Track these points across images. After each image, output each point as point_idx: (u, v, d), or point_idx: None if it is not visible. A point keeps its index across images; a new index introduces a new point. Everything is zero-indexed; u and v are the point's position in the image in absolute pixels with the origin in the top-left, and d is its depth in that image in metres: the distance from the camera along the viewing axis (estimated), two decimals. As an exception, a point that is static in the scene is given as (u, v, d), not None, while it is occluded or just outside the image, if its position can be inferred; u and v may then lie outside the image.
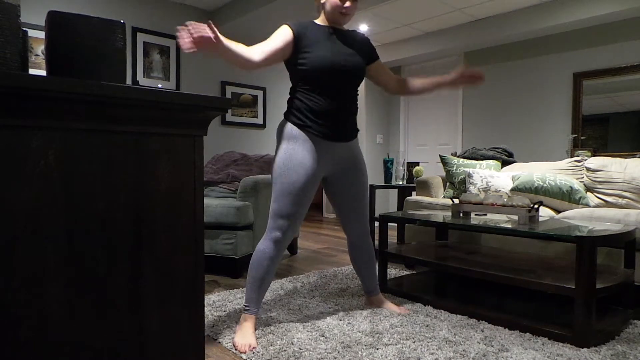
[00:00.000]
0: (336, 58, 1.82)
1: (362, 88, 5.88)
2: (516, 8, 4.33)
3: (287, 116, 1.88)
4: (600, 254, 2.33)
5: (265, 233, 1.86)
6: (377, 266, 2.17)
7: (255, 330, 1.87)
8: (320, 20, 1.93)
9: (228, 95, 4.75)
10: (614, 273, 2.01)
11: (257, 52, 1.71)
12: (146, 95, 0.91)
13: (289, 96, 1.92)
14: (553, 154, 4.46)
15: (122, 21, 1.02)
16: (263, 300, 2.31)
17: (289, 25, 1.82)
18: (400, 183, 3.94)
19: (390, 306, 2.17)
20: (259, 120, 5.02)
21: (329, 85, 1.83)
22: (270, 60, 1.75)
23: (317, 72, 1.79)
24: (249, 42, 4.91)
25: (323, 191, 1.88)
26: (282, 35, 1.79)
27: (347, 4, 1.83)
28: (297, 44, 1.81)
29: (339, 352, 1.68)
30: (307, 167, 1.81)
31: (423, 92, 2.06)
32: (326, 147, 1.87)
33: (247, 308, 1.86)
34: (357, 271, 2.18)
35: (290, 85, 1.92)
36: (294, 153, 1.81)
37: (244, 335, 1.77)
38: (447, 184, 3.59)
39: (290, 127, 1.84)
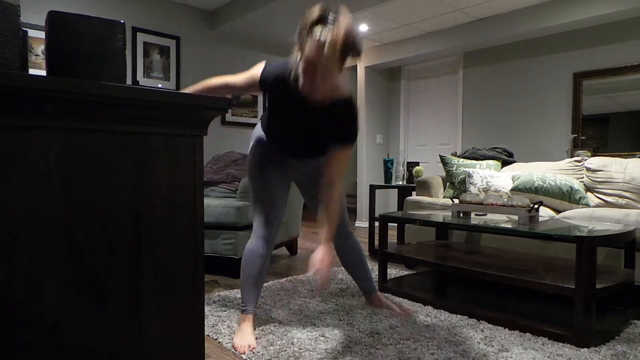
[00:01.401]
0: (286, 137, 1.79)
1: (361, 87, 5.88)
2: (516, 8, 4.33)
3: (262, 121, 1.92)
4: (600, 254, 2.33)
5: (252, 231, 1.89)
6: (369, 265, 2.14)
7: (255, 329, 1.87)
8: (300, 65, 1.61)
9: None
10: (614, 273, 2.01)
11: (220, 81, 1.82)
12: (146, 95, 0.91)
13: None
14: (553, 154, 4.46)
15: (122, 21, 1.02)
16: (262, 300, 2.31)
17: (263, 72, 1.71)
18: (400, 183, 3.94)
19: (390, 306, 2.15)
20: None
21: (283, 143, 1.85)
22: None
23: (277, 130, 1.81)
24: (249, 42, 4.92)
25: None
26: (251, 78, 1.76)
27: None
28: (261, 88, 1.75)
29: (339, 352, 1.68)
30: (271, 167, 1.86)
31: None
32: (285, 158, 1.90)
33: (244, 308, 1.87)
34: (350, 274, 2.15)
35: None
36: (260, 153, 1.87)
37: (243, 336, 1.77)
38: (447, 184, 3.59)
39: (259, 132, 1.90)
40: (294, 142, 1.81)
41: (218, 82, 1.78)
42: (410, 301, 2.33)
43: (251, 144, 1.93)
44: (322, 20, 1.48)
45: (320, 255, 1.57)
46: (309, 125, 1.72)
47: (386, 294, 2.44)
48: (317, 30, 1.47)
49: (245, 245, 1.88)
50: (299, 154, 1.87)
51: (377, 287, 2.23)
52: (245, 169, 1.91)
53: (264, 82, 1.71)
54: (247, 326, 1.82)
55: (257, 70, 1.74)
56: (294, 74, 1.62)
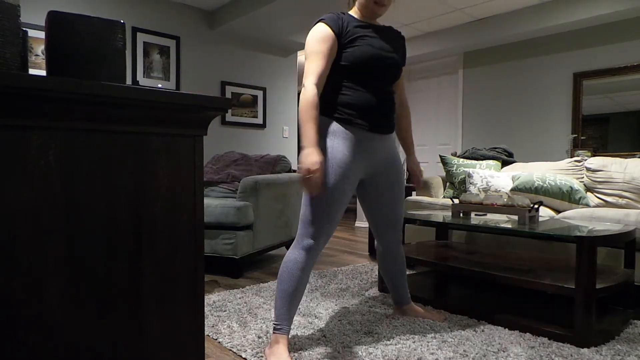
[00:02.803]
0: (378, 52, 1.70)
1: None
2: (516, 8, 4.33)
3: (327, 112, 1.70)
4: (600, 254, 2.33)
5: (295, 241, 1.68)
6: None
7: (290, 353, 1.65)
8: (353, 13, 1.79)
9: (228, 95, 4.75)
10: (614, 273, 2.01)
11: (316, 89, 1.61)
12: (146, 95, 0.91)
13: (326, 93, 1.73)
14: (553, 154, 4.46)
15: (122, 21, 1.02)
16: (262, 300, 2.31)
17: (328, 25, 1.66)
18: (400, 183, 3.93)
19: (426, 315, 2.05)
20: (259, 120, 5.02)
21: (371, 79, 1.70)
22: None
23: (360, 66, 1.67)
24: (249, 42, 4.92)
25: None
26: (326, 42, 1.64)
27: None
28: (339, 42, 1.68)
29: (339, 352, 1.68)
30: (346, 168, 1.65)
31: (399, 139, 2.02)
32: (367, 142, 1.72)
33: (279, 327, 1.64)
34: (387, 281, 2.06)
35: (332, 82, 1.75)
36: (333, 151, 1.64)
37: (281, 357, 1.57)
38: (447, 184, 3.59)
39: (329, 123, 1.68)
40: (380, 94, 1.72)
41: (314, 92, 1.59)
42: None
43: (328, 142, 1.67)
44: None
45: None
46: (386, 52, 1.73)
47: (386, 294, 2.44)
48: None
49: (286, 255, 1.69)
50: (387, 113, 1.75)
51: (410, 297, 2.15)
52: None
53: (334, 25, 1.66)
54: (282, 349, 1.60)
55: (322, 33, 1.64)
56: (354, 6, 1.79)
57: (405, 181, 1.97)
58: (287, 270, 1.65)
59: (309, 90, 1.58)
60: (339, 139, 1.66)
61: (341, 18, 1.70)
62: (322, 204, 1.63)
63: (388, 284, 2.07)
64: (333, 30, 1.65)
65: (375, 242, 2.02)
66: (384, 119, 1.75)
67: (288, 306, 1.65)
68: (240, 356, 1.67)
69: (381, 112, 1.74)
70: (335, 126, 1.67)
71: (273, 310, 2.17)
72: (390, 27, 1.86)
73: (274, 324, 1.66)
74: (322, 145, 1.67)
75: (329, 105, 1.71)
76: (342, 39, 1.67)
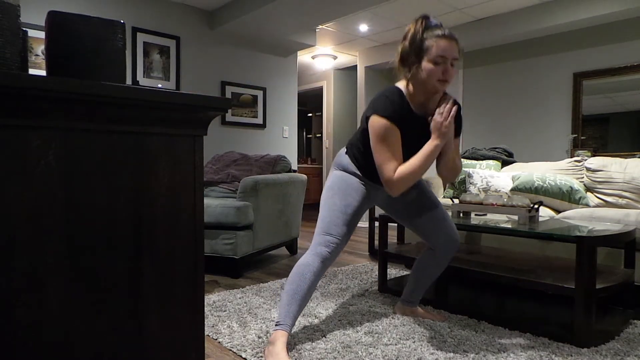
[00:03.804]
0: (412, 150, 1.70)
1: (361, 87, 5.88)
2: (516, 8, 4.33)
3: (349, 153, 1.81)
4: (600, 254, 2.33)
5: (310, 248, 1.74)
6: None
7: (288, 352, 1.64)
8: (405, 88, 1.69)
9: (228, 95, 4.75)
10: (614, 273, 2.01)
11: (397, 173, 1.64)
12: (146, 95, 0.91)
13: (356, 138, 1.81)
14: (553, 154, 4.46)
15: (122, 21, 1.02)
16: (262, 300, 2.31)
17: (392, 122, 1.62)
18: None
19: (427, 316, 2.05)
20: (259, 120, 5.02)
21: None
22: None
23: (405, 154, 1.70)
24: (249, 42, 4.92)
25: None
26: (394, 132, 1.63)
27: (446, 69, 1.59)
28: None
29: (339, 352, 1.68)
30: (361, 193, 1.77)
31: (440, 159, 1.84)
32: (380, 189, 1.85)
33: (281, 323, 1.65)
34: (413, 279, 2.04)
35: (360, 136, 1.78)
36: (350, 180, 1.78)
37: (278, 357, 1.57)
38: (447, 184, 3.59)
39: (349, 164, 1.80)
40: None
41: (398, 174, 1.63)
42: (410, 301, 2.33)
43: (338, 172, 1.81)
44: (428, 27, 1.69)
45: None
46: (424, 141, 1.68)
47: (386, 294, 2.44)
48: (435, 34, 1.64)
49: (301, 258, 1.75)
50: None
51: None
52: (332, 181, 1.80)
53: (396, 121, 1.63)
54: (281, 346, 1.59)
55: (391, 131, 1.62)
56: (407, 98, 1.69)
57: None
58: (298, 272, 1.69)
59: (397, 178, 1.62)
60: (357, 177, 1.80)
61: (398, 113, 1.64)
62: (338, 218, 1.73)
63: (410, 282, 2.05)
64: (394, 122, 1.63)
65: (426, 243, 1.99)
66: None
67: (294, 306, 1.66)
68: (240, 356, 1.67)
69: None
70: (354, 168, 1.80)
71: (273, 310, 2.17)
72: (449, 96, 1.72)
73: (276, 321, 1.67)
74: (342, 175, 1.80)
75: (354, 151, 1.80)
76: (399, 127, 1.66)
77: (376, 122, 1.63)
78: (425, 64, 1.60)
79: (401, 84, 1.71)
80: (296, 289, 1.66)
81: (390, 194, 1.66)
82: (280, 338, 1.61)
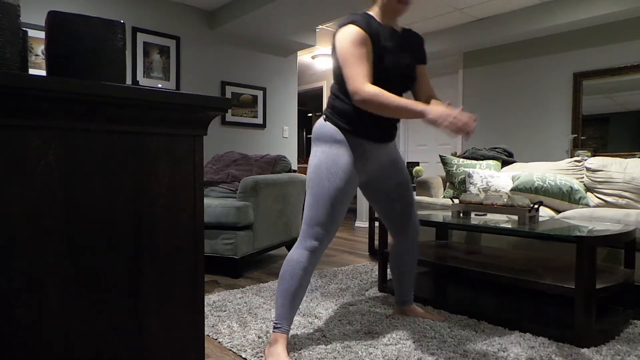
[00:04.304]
0: (397, 65, 1.69)
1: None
2: (516, 8, 4.33)
3: (331, 119, 1.72)
4: (600, 254, 2.33)
5: (298, 241, 1.69)
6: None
7: (288, 353, 1.66)
8: (374, 13, 1.74)
9: (228, 95, 4.75)
10: (614, 273, 2.01)
11: (373, 87, 1.59)
12: (146, 95, 0.91)
13: (332, 96, 1.76)
14: (553, 154, 4.46)
15: (122, 21, 1.02)
16: (262, 300, 2.31)
17: (364, 30, 1.62)
18: (400, 183, 3.93)
19: (427, 315, 2.05)
20: (259, 120, 5.01)
21: (384, 89, 1.69)
22: None
23: (377, 81, 1.67)
24: (249, 42, 4.92)
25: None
26: (364, 45, 1.61)
27: None
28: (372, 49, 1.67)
29: (339, 352, 1.68)
30: (349, 173, 1.68)
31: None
32: (370, 151, 1.75)
33: (278, 326, 1.66)
34: (396, 278, 2.05)
35: (335, 85, 1.75)
36: (337, 158, 1.67)
37: (278, 357, 1.58)
38: (447, 184, 3.59)
39: (334, 131, 1.70)
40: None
41: (373, 89, 1.57)
42: (410, 301, 2.32)
43: (324, 148, 1.70)
44: None
45: (442, 110, 1.50)
46: (405, 60, 1.72)
47: (386, 294, 2.44)
48: None
49: (288, 254, 1.70)
50: (392, 125, 1.77)
51: (413, 297, 2.14)
52: (312, 170, 1.70)
53: (368, 30, 1.63)
54: (281, 349, 1.60)
55: (360, 37, 1.60)
56: (380, 14, 1.74)
57: (409, 176, 1.95)
58: (289, 270, 1.66)
59: (369, 90, 1.55)
60: (343, 148, 1.69)
61: (369, 22, 1.66)
62: (325, 206, 1.65)
63: (395, 282, 2.06)
64: (369, 37, 1.63)
65: (389, 239, 2.01)
66: (388, 130, 1.78)
67: (289, 306, 1.66)
68: (240, 356, 1.67)
69: (387, 124, 1.77)
70: (340, 136, 1.70)
71: (273, 310, 2.17)
72: (409, 29, 1.84)
73: (273, 322, 1.67)
74: (327, 151, 1.69)
75: (335, 112, 1.73)
76: (374, 46, 1.65)
77: (348, 29, 1.62)
78: None
79: (371, 11, 1.76)
80: (288, 288, 1.65)
81: (353, 99, 1.58)
82: (280, 340, 1.63)
